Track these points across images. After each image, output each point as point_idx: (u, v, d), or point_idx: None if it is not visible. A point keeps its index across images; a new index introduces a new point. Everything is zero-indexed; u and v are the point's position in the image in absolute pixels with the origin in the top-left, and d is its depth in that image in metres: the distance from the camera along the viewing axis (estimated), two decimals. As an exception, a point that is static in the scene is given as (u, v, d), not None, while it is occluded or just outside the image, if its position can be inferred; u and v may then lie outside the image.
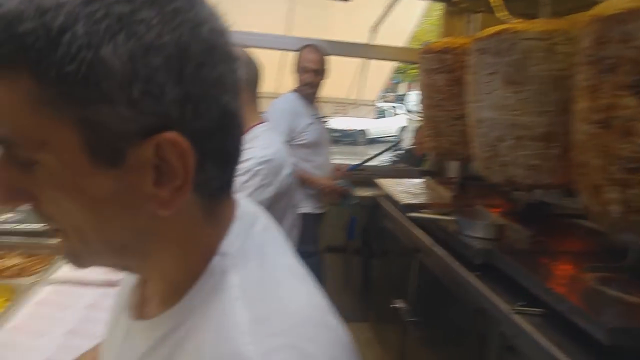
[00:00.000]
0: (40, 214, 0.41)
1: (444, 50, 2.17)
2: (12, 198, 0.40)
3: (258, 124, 1.49)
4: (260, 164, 1.37)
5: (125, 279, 0.60)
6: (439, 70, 2.20)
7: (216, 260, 0.44)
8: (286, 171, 1.47)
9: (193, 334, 0.42)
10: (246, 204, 0.51)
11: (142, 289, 0.54)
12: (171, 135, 0.37)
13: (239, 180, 1.36)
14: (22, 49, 0.33)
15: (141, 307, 0.52)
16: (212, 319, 0.41)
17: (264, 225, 0.50)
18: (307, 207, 2.44)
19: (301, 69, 2.46)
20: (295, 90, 2.53)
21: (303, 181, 2.35)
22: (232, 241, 0.45)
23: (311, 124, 2.50)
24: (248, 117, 1.49)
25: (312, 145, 2.49)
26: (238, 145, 0.46)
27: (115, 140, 0.37)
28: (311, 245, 2.38)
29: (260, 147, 1.41)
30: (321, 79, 2.49)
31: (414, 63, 3.62)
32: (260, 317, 0.40)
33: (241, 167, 1.36)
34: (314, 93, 2.52)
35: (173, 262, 0.45)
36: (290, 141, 2.34)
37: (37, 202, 0.40)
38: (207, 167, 0.41)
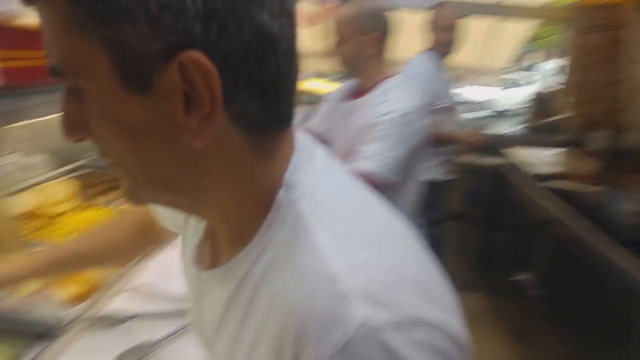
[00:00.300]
0: (98, 148, 0.42)
1: (604, 5, 1.94)
2: (74, 131, 0.42)
3: (386, 77, 1.47)
4: (398, 117, 1.35)
5: (186, 237, 0.61)
6: (595, 29, 1.98)
7: (282, 193, 0.43)
8: (420, 128, 1.44)
9: (272, 268, 0.42)
10: (302, 137, 0.48)
11: (212, 240, 0.53)
12: (193, 54, 0.35)
13: (375, 135, 1.36)
14: None
15: (214, 258, 0.52)
16: (290, 249, 0.41)
17: (323, 154, 0.48)
18: (434, 173, 2.28)
19: (437, 28, 2.32)
20: (430, 50, 2.36)
21: (440, 138, 2.20)
22: (295, 172, 0.44)
23: (446, 88, 2.36)
24: (375, 70, 1.47)
25: (446, 111, 2.33)
26: (283, 75, 0.40)
27: (141, 62, 0.36)
28: (435, 214, 2.25)
29: (396, 100, 1.39)
30: (457, 39, 2.35)
31: (557, 23, 3.29)
32: (339, 237, 0.40)
33: (378, 120, 1.36)
34: (450, 53, 2.38)
35: (228, 200, 0.44)
36: (426, 106, 2.22)
37: (95, 139, 0.41)
38: (240, 96, 0.38)
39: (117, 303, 1.13)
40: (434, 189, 2.10)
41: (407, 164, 1.40)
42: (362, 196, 0.48)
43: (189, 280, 0.59)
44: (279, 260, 0.41)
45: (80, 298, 1.12)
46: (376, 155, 1.33)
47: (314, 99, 3.25)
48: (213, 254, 0.52)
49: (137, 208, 0.85)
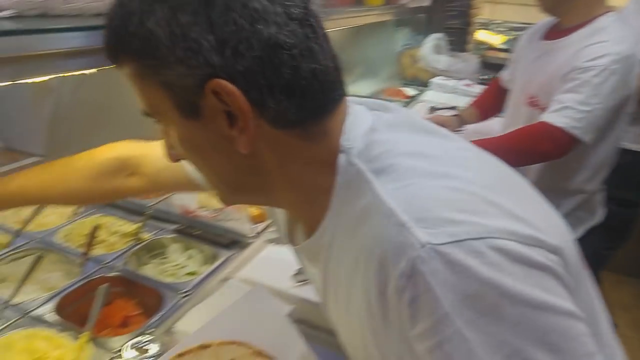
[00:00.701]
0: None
1: None
2: (173, 158, 0.53)
3: (603, 13, 1.24)
4: (616, 61, 1.13)
5: (276, 218, 0.65)
6: None
7: (341, 159, 0.46)
8: (633, 80, 1.20)
9: (351, 228, 0.46)
10: (352, 100, 0.51)
11: (296, 221, 0.58)
12: (217, 81, 0.41)
13: (579, 82, 1.15)
14: (120, 42, 0.45)
15: (305, 234, 0.55)
16: (360, 204, 0.44)
17: (376, 111, 0.51)
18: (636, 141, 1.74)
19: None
20: None
21: None
22: (348, 136, 0.47)
23: None
24: (584, 5, 1.24)
25: None
26: (306, 74, 0.43)
27: (187, 95, 0.43)
28: (633, 193, 1.74)
29: (613, 42, 1.16)
30: None
31: None
32: (392, 179, 0.43)
33: (594, 64, 1.13)
34: None
35: (293, 187, 0.49)
36: None
37: (184, 157, 0.51)
38: (269, 103, 0.43)
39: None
40: (633, 161, 1.67)
41: (608, 123, 1.19)
42: (421, 137, 0.49)
43: (293, 254, 0.65)
44: (355, 219, 0.45)
45: (261, 218, 1.23)
46: (574, 108, 1.14)
47: (482, 50, 3.11)
48: (303, 231, 0.57)
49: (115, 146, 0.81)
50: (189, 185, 0.76)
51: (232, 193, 0.53)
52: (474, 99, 1.78)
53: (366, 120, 0.48)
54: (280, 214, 0.63)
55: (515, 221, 0.40)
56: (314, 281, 0.59)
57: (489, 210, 0.41)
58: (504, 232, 0.39)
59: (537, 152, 1.21)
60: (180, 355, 0.62)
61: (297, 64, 0.43)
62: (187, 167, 0.73)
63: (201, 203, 1.23)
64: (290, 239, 0.60)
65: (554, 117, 1.16)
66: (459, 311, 0.37)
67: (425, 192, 0.42)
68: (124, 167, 0.80)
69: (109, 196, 0.90)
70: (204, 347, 0.64)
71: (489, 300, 0.37)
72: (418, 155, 0.45)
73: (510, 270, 0.37)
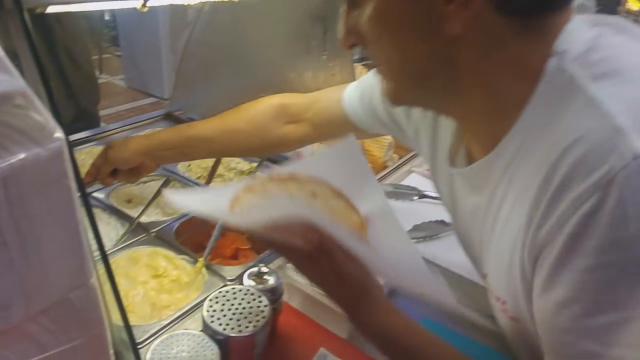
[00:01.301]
0: (369, 54, 0.49)
1: None
2: (348, 37, 0.49)
3: None
4: None
5: (433, 140, 0.60)
6: None
7: (551, 63, 0.41)
8: None
9: (545, 143, 0.40)
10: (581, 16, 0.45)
11: (466, 141, 0.54)
12: None
13: None
14: None
15: (468, 158, 0.52)
16: (563, 116, 0.39)
17: (598, 20, 0.45)
18: None
19: None
20: None
21: None
22: (567, 40, 0.41)
23: None
24: None
25: None
26: None
27: None
28: None
29: None
30: None
31: None
32: (616, 84, 0.38)
33: None
34: None
35: (482, 91, 0.44)
36: None
37: (365, 43, 0.48)
38: None
39: (408, 180, 1.17)
40: None
41: None
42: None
43: (442, 182, 0.61)
44: (552, 135, 0.40)
45: (374, 171, 1.18)
46: None
47: (634, 16, 2.80)
48: (466, 155, 0.54)
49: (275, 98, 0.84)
50: (346, 127, 0.75)
51: (410, 87, 0.49)
52: None
53: (590, 31, 0.43)
54: (443, 132, 0.59)
55: None
56: (468, 207, 0.54)
57: None
58: None
59: None
60: (270, 179, 0.63)
61: None
62: (345, 107, 0.73)
63: (315, 151, 1.21)
64: (452, 162, 0.56)
65: None
66: None
67: None
68: (283, 114, 0.82)
69: (272, 144, 0.87)
70: (291, 178, 0.63)
71: None
72: None
73: None
